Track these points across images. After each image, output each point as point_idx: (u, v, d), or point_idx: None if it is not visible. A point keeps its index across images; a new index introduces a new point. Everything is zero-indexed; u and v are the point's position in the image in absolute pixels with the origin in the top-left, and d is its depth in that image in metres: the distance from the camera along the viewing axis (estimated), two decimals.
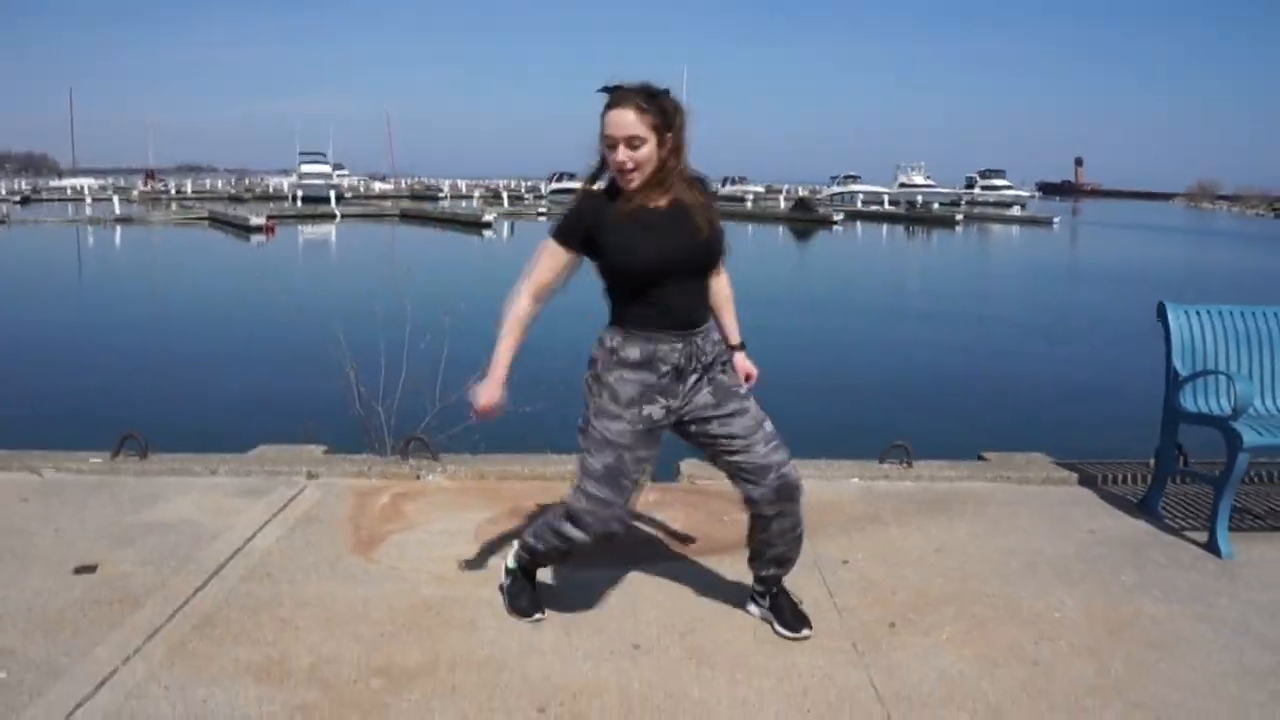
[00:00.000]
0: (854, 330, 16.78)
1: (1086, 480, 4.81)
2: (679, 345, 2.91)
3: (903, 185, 75.55)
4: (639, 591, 3.44)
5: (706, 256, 2.95)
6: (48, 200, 64.62)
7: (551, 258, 2.93)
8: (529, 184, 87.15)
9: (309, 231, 42.59)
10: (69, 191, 69.99)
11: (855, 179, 75.92)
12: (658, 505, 4.27)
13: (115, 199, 51.64)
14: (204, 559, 3.61)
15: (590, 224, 2.89)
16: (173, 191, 73.16)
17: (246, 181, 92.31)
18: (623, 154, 2.79)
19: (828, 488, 4.63)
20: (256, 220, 40.06)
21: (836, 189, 74.54)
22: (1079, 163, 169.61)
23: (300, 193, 57.87)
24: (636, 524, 3.98)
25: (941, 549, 3.90)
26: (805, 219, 52.94)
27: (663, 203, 2.88)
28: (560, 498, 4.21)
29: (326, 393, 6.12)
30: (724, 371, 3.04)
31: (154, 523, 3.97)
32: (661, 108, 2.80)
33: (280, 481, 4.52)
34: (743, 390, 3.07)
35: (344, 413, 5.79)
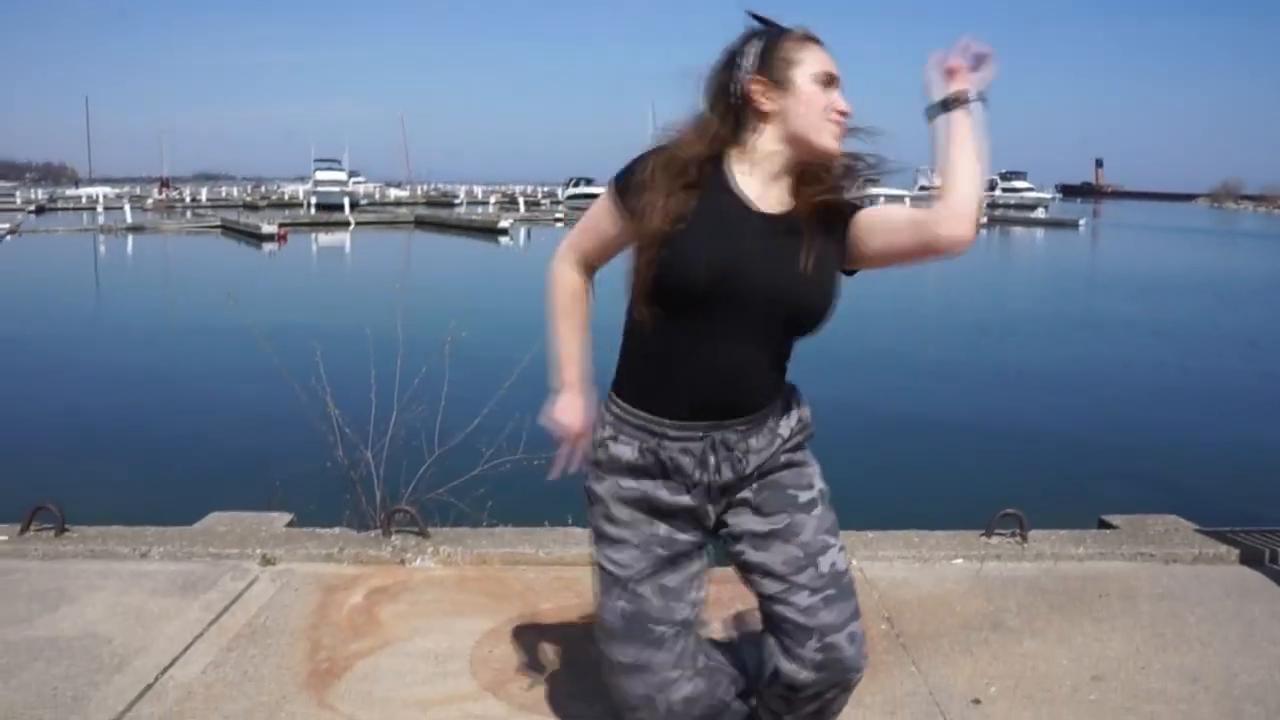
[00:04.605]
0: (905, 360, 13.40)
1: (1250, 558, 3.78)
2: (693, 444, 1.89)
3: (923, 188, 74.21)
4: None
5: (810, 305, 1.87)
6: (63, 209, 63.97)
7: (602, 214, 1.94)
8: (545, 189, 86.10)
9: (323, 239, 41.79)
10: (84, 200, 69.20)
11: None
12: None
13: (127, 207, 50.91)
14: (97, 702, 2.62)
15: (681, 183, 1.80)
16: (188, 199, 72.44)
17: (263, 189, 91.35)
18: (841, 99, 1.86)
19: (927, 573, 3.61)
20: (269, 228, 39.10)
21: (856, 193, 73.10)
22: (1099, 164, 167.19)
23: (315, 200, 57.07)
24: None
25: (1100, 675, 2.88)
26: None
27: (793, 201, 1.88)
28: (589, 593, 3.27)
29: (301, 438, 5.11)
30: (788, 466, 1.99)
31: (47, 638, 2.99)
32: None
33: (226, 569, 3.53)
34: (803, 498, 1.96)
35: (321, 462, 4.78)
